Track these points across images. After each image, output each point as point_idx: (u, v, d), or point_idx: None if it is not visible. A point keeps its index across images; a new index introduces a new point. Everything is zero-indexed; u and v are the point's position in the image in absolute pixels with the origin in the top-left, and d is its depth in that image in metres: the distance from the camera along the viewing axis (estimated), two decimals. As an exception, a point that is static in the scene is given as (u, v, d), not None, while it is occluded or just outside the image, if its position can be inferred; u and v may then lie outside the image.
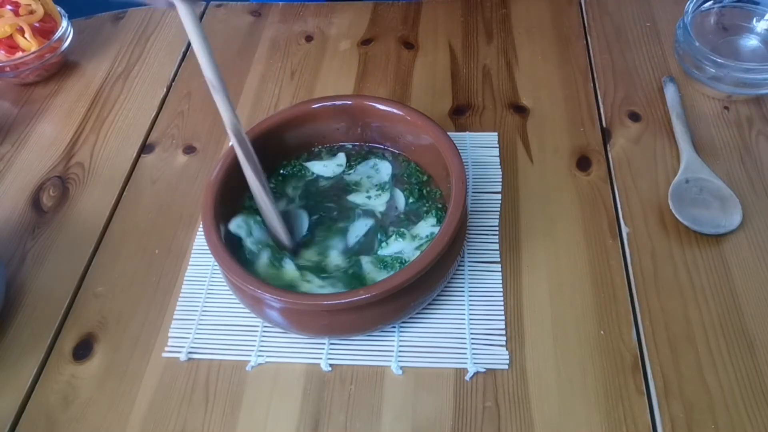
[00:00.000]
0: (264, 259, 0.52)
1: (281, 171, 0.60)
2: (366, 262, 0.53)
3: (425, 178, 0.58)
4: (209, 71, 0.46)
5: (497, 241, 0.58)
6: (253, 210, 0.55)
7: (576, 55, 0.74)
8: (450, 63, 0.75)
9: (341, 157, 0.60)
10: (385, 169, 0.59)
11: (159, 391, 0.51)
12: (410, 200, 0.57)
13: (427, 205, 0.56)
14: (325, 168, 0.60)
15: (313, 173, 0.60)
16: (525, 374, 0.50)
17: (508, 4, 0.81)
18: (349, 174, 0.59)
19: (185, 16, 0.44)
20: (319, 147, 0.61)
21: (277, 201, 0.57)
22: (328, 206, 0.57)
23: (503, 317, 0.53)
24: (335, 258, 0.53)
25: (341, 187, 0.59)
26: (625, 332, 0.51)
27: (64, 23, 0.77)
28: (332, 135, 0.61)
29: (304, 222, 0.56)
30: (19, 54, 0.73)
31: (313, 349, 0.52)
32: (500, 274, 0.55)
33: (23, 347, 0.54)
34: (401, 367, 0.51)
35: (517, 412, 0.48)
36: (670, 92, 0.67)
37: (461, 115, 0.69)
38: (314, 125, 0.60)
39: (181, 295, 0.56)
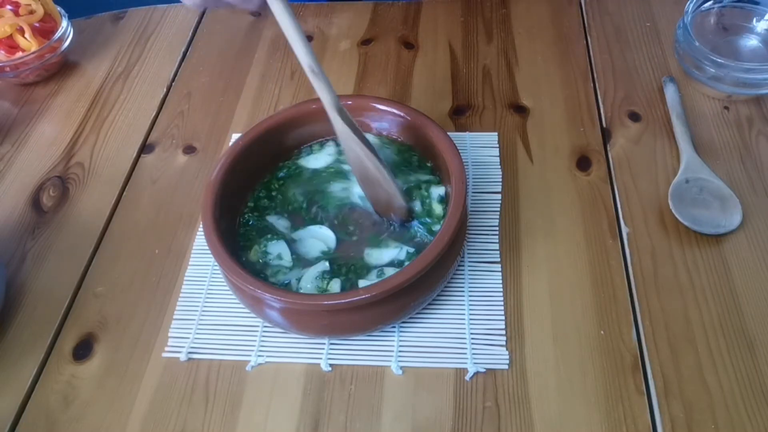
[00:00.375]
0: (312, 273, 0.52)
1: (279, 174, 0.59)
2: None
3: (414, 155, 0.59)
4: (308, 59, 0.47)
5: (497, 241, 0.58)
6: (258, 228, 0.55)
7: (576, 55, 0.74)
8: (450, 63, 0.75)
9: (331, 146, 0.60)
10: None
11: (159, 391, 0.51)
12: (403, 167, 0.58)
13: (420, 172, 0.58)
14: (317, 160, 0.60)
15: (309, 169, 0.59)
16: (525, 374, 0.50)
17: (508, 4, 0.81)
18: (345, 162, 0.59)
19: (280, 12, 0.45)
20: (310, 144, 0.61)
21: (279, 212, 0.57)
22: (337, 194, 0.57)
23: (503, 317, 0.53)
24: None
25: (343, 174, 0.58)
26: (625, 332, 0.51)
27: (64, 23, 0.77)
28: (332, 135, 0.61)
29: (329, 236, 0.55)
30: (19, 54, 0.73)
31: (313, 349, 0.52)
32: (500, 274, 0.55)
33: (23, 347, 0.54)
34: (401, 367, 0.51)
35: (517, 412, 0.48)
36: (670, 92, 0.67)
37: (461, 115, 0.69)
38: (314, 125, 0.59)
39: (181, 295, 0.56)
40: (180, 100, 0.74)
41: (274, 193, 0.58)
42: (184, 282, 0.57)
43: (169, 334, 0.54)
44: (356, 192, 0.57)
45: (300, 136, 0.60)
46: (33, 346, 0.54)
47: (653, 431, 0.46)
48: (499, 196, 0.61)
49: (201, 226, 0.58)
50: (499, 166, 0.63)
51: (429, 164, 0.58)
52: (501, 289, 0.54)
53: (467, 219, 0.56)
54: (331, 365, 0.51)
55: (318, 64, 0.48)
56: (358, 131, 0.51)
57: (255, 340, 0.53)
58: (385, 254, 0.53)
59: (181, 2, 0.48)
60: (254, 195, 0.58)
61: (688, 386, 0.48)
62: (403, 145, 0.59)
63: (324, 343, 0.52)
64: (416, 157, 0.58)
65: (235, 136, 0.68)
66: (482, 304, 0.54)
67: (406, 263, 0.51)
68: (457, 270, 0.55)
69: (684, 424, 0.46)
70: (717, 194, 0.58)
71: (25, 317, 0.56)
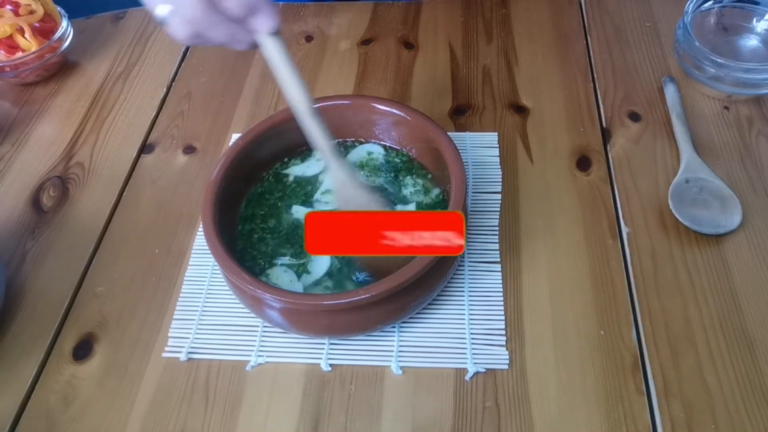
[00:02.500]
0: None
1: (262, 185, 0.59)
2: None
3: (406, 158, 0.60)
4: (303, 103, 0.46)
5: (497, 241, 0.58)
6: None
7: (576, 55, 0.74)
8: (450, 63, 0.75)
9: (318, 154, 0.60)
10: (377, 151, 0.60)
11: (159, 391, 0.51)
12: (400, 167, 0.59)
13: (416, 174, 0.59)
14: (308, 168, 0.60)
15: (295, 176, 0.59)
16: (525, 374, 0.50)
17: (508, 4, 0.81)
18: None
19: (274, 51, 0.44)
20: (297, 152, 0.61)
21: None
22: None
23: (503, 317, 0.53)
24: None
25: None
26: (625, 332, 0.51)
27: (64, 23, 0.77)
28: (332, 135, 0.61)
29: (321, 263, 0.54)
30: (19, 54, 0.73)
31: (313, 349, 0.52)
32: (500, 274, 0.55)
33: (23, 347, 0.54)
34: (401, 367, 0.51)
35: (517, 412, 0.48)
36: (670, 92, 0.67)
37: (461, 115, 0.69)
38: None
39: (181, 295, 0.56)
40: (180, 100, 0.74)
41: (265, 212, 0.57)
42: (184, 282, 0.57)
43: (169, 334, 0.54)
44: None
45: (300, 136, 0.60)
46: (33, 346, 0.54)
47: (653, 431, 0.46)
48: (499, 196, 0.61)
49: (201, 226, 0.58)
50: (499, 166, 0.63)
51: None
52: (501, 289, 0.54)
53: (467, 219, 0.56)
54: (331, 365, 0.51)
55: (312, 106, 0.47)
56: (358, 178, 0.50)
57: (255, 340, 0.53)
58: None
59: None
60: (254, 195, 0.58)
61: (688, 386, 0.48)
62: (412, 162, 0.59)
63: (324, 343, 0.52)
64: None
65: (235, 136, 0.68)
66: (482, 304, 0.54)
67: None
68: (457, 270, 0.55)
69: (684, 424, 0.46)
70: (717, 194, 0.58)
71: (25, 317, 0.56)
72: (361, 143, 0.61)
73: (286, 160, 0.61)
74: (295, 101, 0.46)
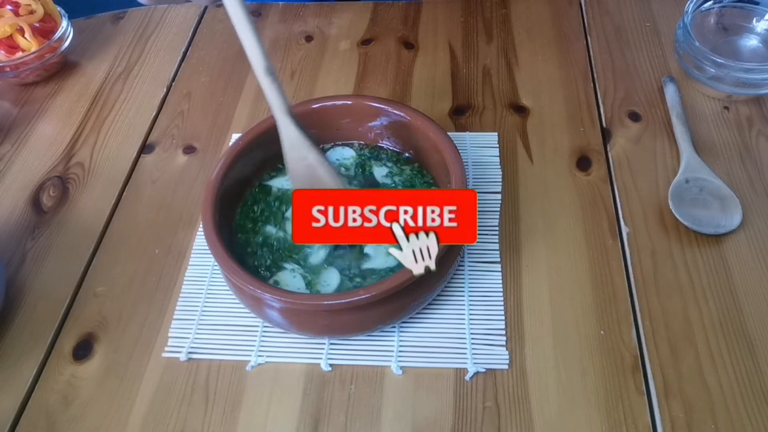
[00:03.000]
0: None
1: (254, 204, 0.58)
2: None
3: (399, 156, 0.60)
4: (260, 62, 0.47)
5: (497, 241, 0.58)
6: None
7: (576, 55, 0.74)
8: (450, 63, 0.75)
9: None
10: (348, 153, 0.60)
11: (159, 391, 0.51)
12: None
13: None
14: (287, 181, 0.58)
15: (278, 189, 0.58)
16: (525, 374, 0.50)
17: (508, 4, 0.81)
18: None
19: (235, 7, 0.45)
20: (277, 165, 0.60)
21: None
22: None
23: (503, 317, 0.53)
24: None
25: None
26: (625, 332, 0.51)
27: (64, 23, 0.77)
28: (332, 135, 0.61)
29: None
30: (19, 54, 0.73)
31: (313, 349, 0.52)
32: (500, 274, 0.55)
33: (23, 347, 0.54)
34: (401, 367, 0.51)
35: (517, 412, 0.48)
36: (670, 92, 0.67)
37: (461, 115, 0.69)
38: (314, 125, 0.59)
39: (181, 295, 0.56)
40: (180, 100, 0.74)
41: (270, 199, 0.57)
42: (184, 282, 0.57)
43: (169, 334, 0.54)
44: None
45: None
46: (33, 346, 0.54)
47: (653, 431, 0.46)
48: (499, 196, 0.61)
49: (201, 226, 0.58)
50: (499, 166, 0.63)
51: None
52: (501, 289, 0.54)
53: (467, 219, 0.56)
54: (331, 365, 0.51)
55: (272, 65, 0.48)
56: (311, 136, 0.51)
57: (255, 340, 0.53)
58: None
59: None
60: (253, 195, 0.58)
61: (688, 386, 0.48)
62: (413, 169, 0.59)
63: (324, 343, 0.52)
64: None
65: (235, 136, 0.68)
66: (482, 304, 0.54)
67: None
68: (457, 270, 0.55)
69: (684, 424, 0.46)
70: (717, 194, 0.58)
71: (25, 317, 0.56)
72: (361, 144, 0.61)
73: (272, 173, 0.59)
74: (253, 60, 0.48)
